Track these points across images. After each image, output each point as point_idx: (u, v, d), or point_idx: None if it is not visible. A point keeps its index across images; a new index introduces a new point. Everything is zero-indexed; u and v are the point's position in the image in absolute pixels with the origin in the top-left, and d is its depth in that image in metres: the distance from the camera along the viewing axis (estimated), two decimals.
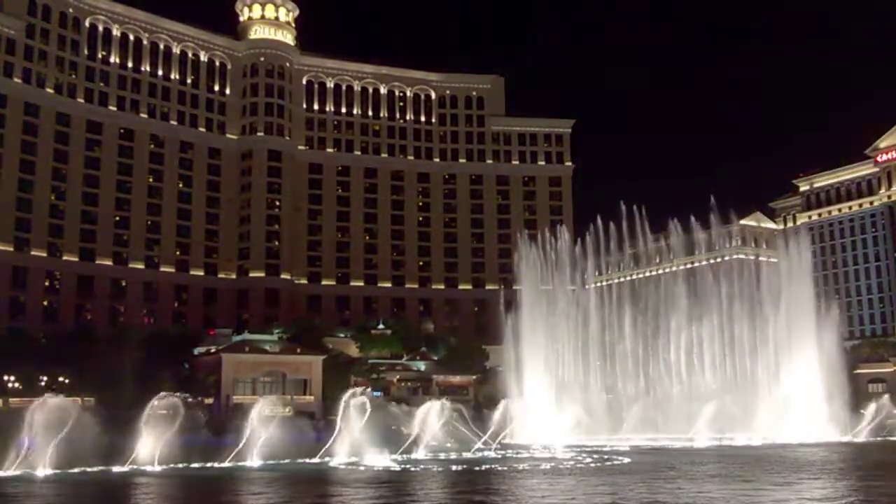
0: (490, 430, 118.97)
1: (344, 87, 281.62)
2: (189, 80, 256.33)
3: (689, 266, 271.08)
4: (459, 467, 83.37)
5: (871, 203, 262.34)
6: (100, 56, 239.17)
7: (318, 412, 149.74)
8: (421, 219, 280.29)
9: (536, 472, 75.89)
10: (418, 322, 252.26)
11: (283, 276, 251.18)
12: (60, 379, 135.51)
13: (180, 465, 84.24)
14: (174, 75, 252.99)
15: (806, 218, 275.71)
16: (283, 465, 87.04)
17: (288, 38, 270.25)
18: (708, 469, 75.92)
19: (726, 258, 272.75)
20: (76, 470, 77.66)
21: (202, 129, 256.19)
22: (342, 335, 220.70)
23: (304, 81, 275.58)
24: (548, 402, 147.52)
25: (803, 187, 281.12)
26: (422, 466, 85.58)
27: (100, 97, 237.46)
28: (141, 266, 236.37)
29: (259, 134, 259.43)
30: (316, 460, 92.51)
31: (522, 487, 62.89)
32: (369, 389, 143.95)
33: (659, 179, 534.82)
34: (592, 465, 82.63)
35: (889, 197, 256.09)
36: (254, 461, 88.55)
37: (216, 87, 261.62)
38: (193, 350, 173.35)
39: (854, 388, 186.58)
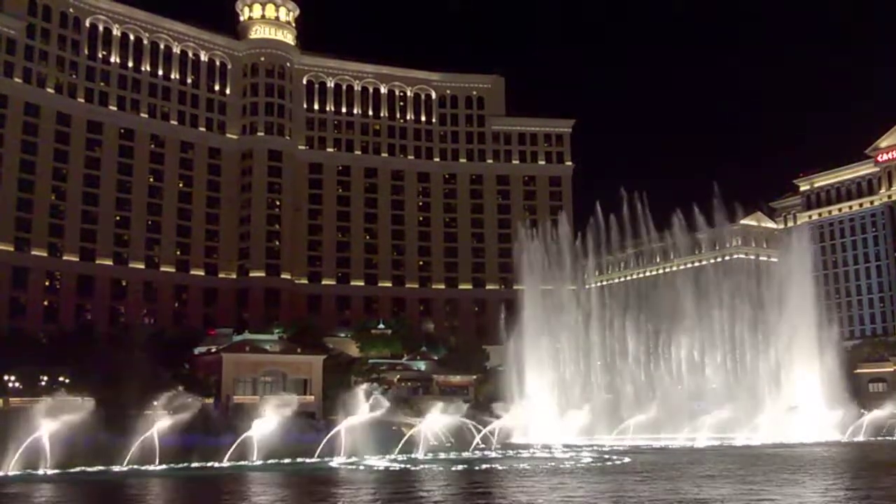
0: (492, 430, 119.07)
1: (344, 87, 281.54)
2: (189, 80, 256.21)
3: (689, 265, 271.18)
4: (460, 467, 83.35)
5: (872, 203, 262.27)
6: (100, 56, 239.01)
7: (318, 412, 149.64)
8: (421, 218, 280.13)
9: (538, 472, 75.86)
10: (418, 322, 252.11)
11: (283, 275, 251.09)
12: (61, 379, 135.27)
13: (180, 465, 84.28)
14: (174, 75, 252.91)
15: (806, 218, 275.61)
16: (283, 465, 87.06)
17: (288, 37, 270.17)
18: (709, 469, 75.89)
19: (727, 258, 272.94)
20: (76, 470, 77.71)
21: (202, 129, 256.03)
22: (342, 335, 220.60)
23: (304, 81, 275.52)
24: (548, 402, 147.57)
25: (804, 187, 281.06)
26: (422, 466, 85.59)
27: (100, 97, 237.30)
28: (141, 266, 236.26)
29: (259, 134, 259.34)
30: (315, 460, 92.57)
31: (524, 487, 62.84)
32: (374, 387, 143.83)
33: (659, 180, 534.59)
34: (594, 464, 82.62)
35: (889, 197, 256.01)
36: (253, 461, 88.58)
37: (216, 87, 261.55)
38: (194, 350, 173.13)
39: (854, 387, 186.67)
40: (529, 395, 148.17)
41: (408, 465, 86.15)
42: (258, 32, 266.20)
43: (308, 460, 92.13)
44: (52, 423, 77.50)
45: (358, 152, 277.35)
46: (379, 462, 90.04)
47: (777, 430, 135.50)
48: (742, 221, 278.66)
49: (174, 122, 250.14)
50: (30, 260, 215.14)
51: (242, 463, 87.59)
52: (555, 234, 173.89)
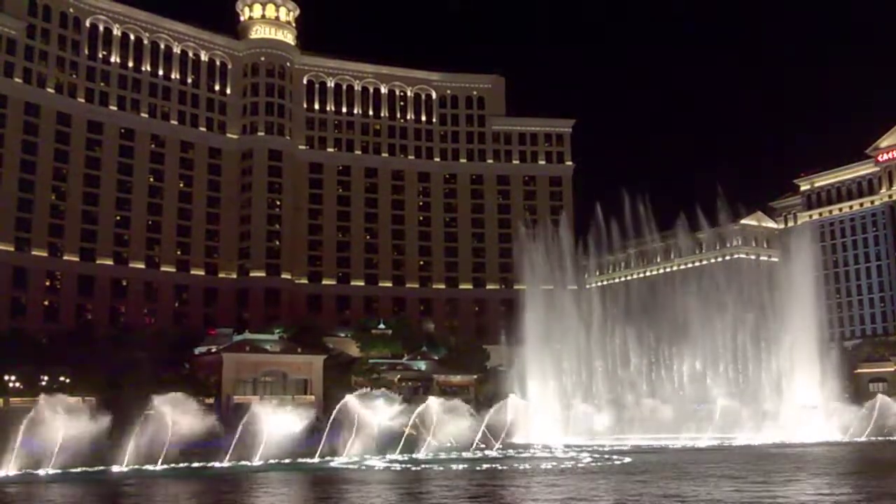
0: (494, 430, 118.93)
1: (344, 87, 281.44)
2: (189, 80, 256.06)
3: (690, 265, 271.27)
4: (461, 467, 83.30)
5: (872, 202, 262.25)
6: (100, 56, 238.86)
7: (318, 412, 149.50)
8: (421, 218, 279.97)
9: (538, 472, 75.78)
10: (419, 322, 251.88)
11: (283, 275, 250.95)
12: (61, 379, 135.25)
13: (181, 466, 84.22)
14: (175, 75, 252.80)
15: (807, 217, 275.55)
16: (284, 465, 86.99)
17: (288, 37, 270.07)
18: (710, 469, 75.81)
19: (728, 257, 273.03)
20: (77, 470, 77.63)
21: (203, 129, 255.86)
22: (343, 335, 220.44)
23: (304, 81, 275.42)
24: (548, 401, 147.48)
25: (804, 187, 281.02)
26: (423, 466, 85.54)
27: (100, 97, 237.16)
28: (141, 266, 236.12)
29: (259, 133, 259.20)
30: (316, 460, 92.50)
31: (524, 488, 62.79)
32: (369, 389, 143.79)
33: (659, 179, 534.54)
34: (594, 464, 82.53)
35: (890, 196, 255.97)
36: (254, 461, 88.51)
37: (217, 87, 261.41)
38: (194, 350, 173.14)
39: (855, 387, 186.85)
40: (530, 395, 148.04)
41: (409, 466, 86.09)
42: (258, 32, 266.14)
43: (309, 460, 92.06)
44: (66, 422, 77.42)
45: (358, 152, 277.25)
46: (380, 462, 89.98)
47: (777, 430, 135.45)
48: (742, 221, 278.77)
49: (174, 122, 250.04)
50: (30, 260, 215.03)
51: (243, 463, 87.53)
52: (555, 235, 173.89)
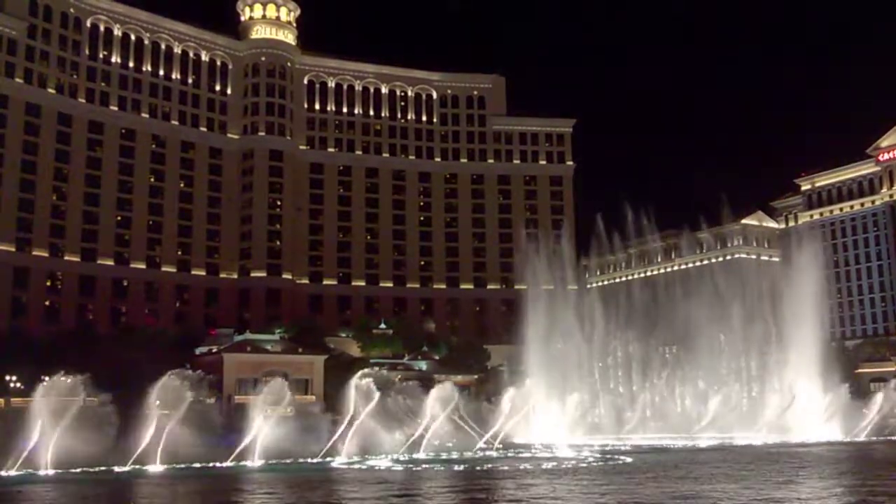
0: (493, 429, 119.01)
1: (345, 87, 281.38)
2: (190, 80, 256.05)
3: (691, 265, 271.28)
4: (461, 467, 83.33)
5: (873, 202, 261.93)
6: (101, 56, 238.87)
7: (319, 412, 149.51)
8: (422, 218, 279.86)
9: (539, 471, 75.80)
10: (420, 322, 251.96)
11: (284, 275, 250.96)
12: (62, 379, 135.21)
13: (182, 465, 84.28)
14: (175, 75, 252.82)
15: (808, 217, 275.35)
16: (285, 465, 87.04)
17: (289, 37, 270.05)
18: (710, 469, 75.83)
19: (728, 257, 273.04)
20: (77, 470, 77.70)
21: (203, 129, 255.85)
22: (344, 335, 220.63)
23: (305, 81, 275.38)
24: (549, 401, 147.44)
25: (805, 187, 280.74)
26: (424, 466, 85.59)
27: (101, 97, 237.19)
28: (142, 266, 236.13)
29: (260, 134, 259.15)
30: (317, 460, 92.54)
31: (525, 488, 62.81)
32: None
33: (659, 179, 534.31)
34: (595, 464, 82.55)
35: (891, 196, 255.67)
36: (255, 461, 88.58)
37: (217, 87, 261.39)
38: (195, 350, 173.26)
39: (855, 387, 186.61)
40: (530, 395, 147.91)
41: (410, 465, 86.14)
42: (259, 32, 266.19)
43: (310, 460, 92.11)
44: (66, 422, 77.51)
45: (359, 152, 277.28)
46: (381, 462, 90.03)
47: (778, 430, 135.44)
48: (743, 221, 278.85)
49: (175, 122, 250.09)
50: (31, 260, 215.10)
51: (244, 463, 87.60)
52: (556, 236, 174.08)
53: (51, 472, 76.43)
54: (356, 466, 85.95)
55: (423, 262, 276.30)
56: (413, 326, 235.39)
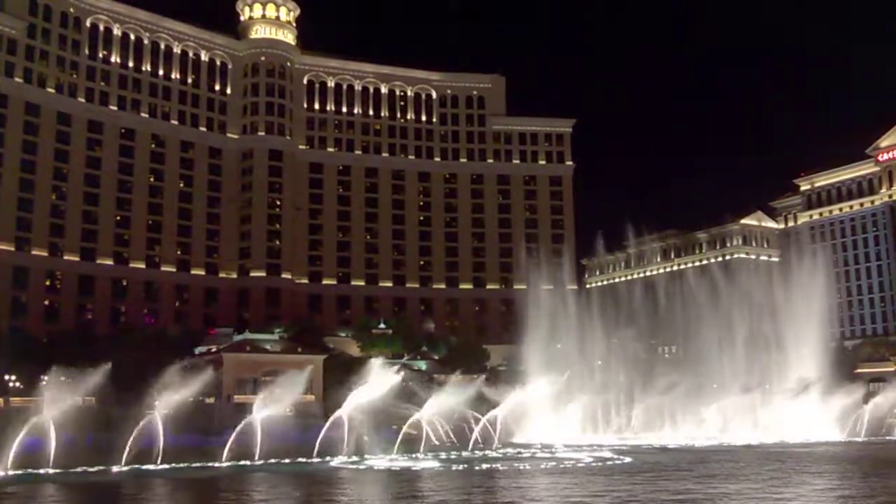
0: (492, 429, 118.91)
1: (345, 87, 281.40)
2: (190, 80, 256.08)
3: (691, 265, 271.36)
4: (461, 467, 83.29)
5: (873, 202, 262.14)
6: (101, 56, 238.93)
7: (318, 412, 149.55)
8: (422, 218, 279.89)
9: (539, 471, 75.79)
10: (419, 321, 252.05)
11: (283, 275, 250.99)
12: (62, 379, 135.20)
13: (181, 465, 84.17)
14: (175, 75, 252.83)
15: (807, 217, 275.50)
16: (283, 465, 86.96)
17: (289, 37, 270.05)
18: (711, 468, 75.84)
19: (728, 257, 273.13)
20: (78, 469, 77.62)
21: (203, 129, 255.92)
22: (343, 335, 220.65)
23: (304, 81, 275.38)
24: (549, 401, 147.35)
25: (804, 187, 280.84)
26: (423, 466, 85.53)
27: (101, 97, 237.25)
28: (142, 266, 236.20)
29: (260, 133, 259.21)
30: (316, 459, 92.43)
31: (525, 488, 62.82)
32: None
33: (659, 179, 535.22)
34: (595, 464, 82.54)
35: (890, 196, 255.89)
36: (253, 461, 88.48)
37: (217, 87, 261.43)
38: (194, 350, 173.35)
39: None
40: (530, 394, 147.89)
41: (410, 465, 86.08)
42: (259, 32, 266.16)
43: (308, 460, 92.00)
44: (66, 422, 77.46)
45: (358, 152, 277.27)
46: (380, 462, 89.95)
47: (777, 430, 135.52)
48: (742, 221, 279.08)
49: (175, 122, 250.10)
50: (30, 260, 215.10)
51: (243, 462, 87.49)
52: (556, 236, 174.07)
53: (51, 471, 76.34)
54: (352, 466, 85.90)
55: (422, 262, 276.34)
56: (412, 326, 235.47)
